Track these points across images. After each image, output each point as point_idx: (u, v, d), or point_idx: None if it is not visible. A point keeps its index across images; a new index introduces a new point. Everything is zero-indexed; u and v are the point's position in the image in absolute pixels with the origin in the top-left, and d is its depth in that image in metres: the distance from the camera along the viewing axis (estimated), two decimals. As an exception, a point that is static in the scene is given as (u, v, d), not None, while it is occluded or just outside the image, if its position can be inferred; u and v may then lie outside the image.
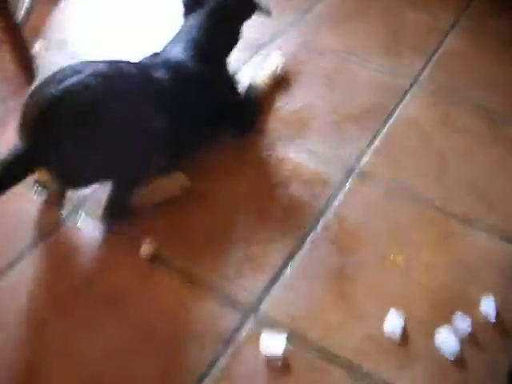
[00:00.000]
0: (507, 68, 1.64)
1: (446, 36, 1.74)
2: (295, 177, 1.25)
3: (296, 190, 1.23)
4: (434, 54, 1.66)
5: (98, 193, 1.15)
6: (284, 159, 1.29)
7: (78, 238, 1.11)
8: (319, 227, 1.14)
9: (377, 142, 1.35)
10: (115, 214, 1.12)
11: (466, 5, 1.89)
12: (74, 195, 1.16)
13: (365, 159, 1.31)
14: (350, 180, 1.25)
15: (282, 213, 1.17)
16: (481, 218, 1.20)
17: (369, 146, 1.34)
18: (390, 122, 1.42)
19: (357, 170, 1.28)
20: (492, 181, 1.29)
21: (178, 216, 1.14)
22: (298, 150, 1.32)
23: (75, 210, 1.15)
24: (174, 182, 1.18)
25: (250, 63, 1.55)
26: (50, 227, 1.11)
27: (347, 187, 1.24)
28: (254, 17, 1.35)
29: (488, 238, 1.16)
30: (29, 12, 1.47)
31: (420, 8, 1.86)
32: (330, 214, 1.17)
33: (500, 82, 1.58)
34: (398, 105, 1.46)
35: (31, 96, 1.04)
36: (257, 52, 1.60)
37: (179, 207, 1.15)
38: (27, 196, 1.14)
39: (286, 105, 1.44)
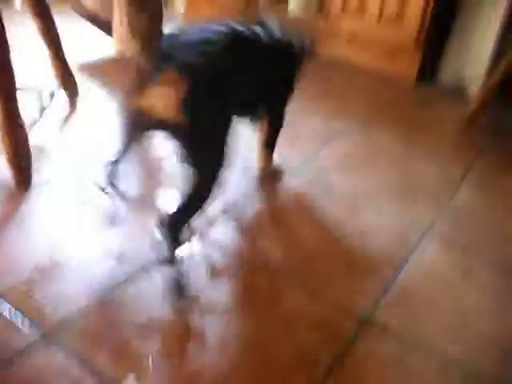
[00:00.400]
0: None
1: (457, 189, 1.70)
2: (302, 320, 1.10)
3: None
4: (445, 206, 1.60)
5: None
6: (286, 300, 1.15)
7: None
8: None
9: (390, 293, 1.22)
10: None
11: (475, 158, 1.91)
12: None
13: (379, 311, 1.16)
14: (361, 334, 1.09)
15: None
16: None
17: (382, 296, 1.20)
18: (404, 271, 1.29)
19: (370, 323, 1.12)
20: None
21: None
22: (306, 293, 1.18)
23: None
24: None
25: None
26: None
27: (358, 343, 1.07)
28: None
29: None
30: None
31: (430, 160, 1.86)
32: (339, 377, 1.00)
33: None
34: (410, 254, 1.36)
35: None
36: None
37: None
38: None
39: (293, 247, 1.34)
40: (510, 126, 2.26)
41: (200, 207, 1.09)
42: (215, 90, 1.03)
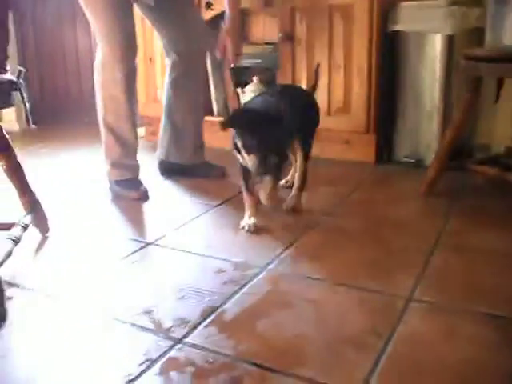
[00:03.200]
0: (499, 277, 1.60)
1: (431, 254, 1.74)
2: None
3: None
4: (423, 272, 1.62)
5: None
6: None
7: None
8: None
9: (381, 366, 1.20)
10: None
11: (444, 223, 1.98)
12: None
13: None
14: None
15: None
16: None
17: (373, 370, 1.18)
18: (392, 341, 1.28)
19: None
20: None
21: None
22: (293, 378, 1.16)
23: None
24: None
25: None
26: None
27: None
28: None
29: None
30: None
31: (399, 232, 1.91)
32: None
33: (497, 289, 1.52)
34: (397, 323, 1.35)
35: None
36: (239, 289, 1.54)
37: None
38: None
39: (274, 332, 1.33)
40: (466, 188, 2.38)
41: None
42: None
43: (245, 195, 1.98)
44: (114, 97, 2.25)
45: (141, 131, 3.42)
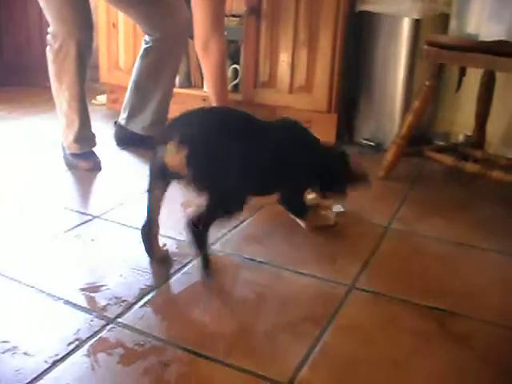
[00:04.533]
0: (444, 267, 1.60)
1: (380, 241, 1.73)
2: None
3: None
4: (369, 259, 1.61)
5: None
6: (207, 377, 1.10)
7: None
8: None
9: (315, 353, 1.18)
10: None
11: (397, 209, 1.98)
12: None
13: (302, 374, 1.12)
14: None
15: None
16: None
17: (306, 358, 1.17)
18: (329, 329, 1.27)
19: None
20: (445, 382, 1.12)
21: None
22: (224, 366, 1.13)
23: None
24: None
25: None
26: None
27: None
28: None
29: None
30: None
31: (351, 216, 1.90)
32: None
33: (441, 280, 1.53)
34: (336, 311, 1.34)
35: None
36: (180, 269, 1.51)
37: None
38: None
39: (211, 317, 1.30)
40: (423, 175, 2.37)
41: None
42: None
43: None
44: (67, 71, 2.17)
45: (102, 98, 3.33)
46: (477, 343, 1.24)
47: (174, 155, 1.40)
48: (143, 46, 2.45)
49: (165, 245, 1.61)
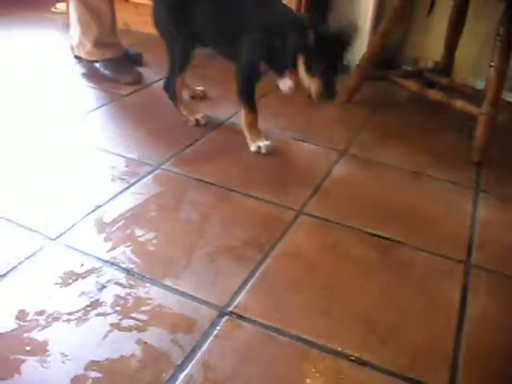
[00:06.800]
0: (393, 194, 1.60)
1: (333, 166, 1.71)
2: (154, 321, 1.05)
3: (154, 337, 1.01)
4: (321, 184, 1.60)
5: None
6: (143, 299, 1.10)
7: None
8: (181, 381, 0.93)
9: (255, 278, 1.19)
10: None
11: (356, 134, 1.95)
12: None
13: (240, 298, 1.13)
14: (220, 324, 1.06)
15: (137, 368, 0.95)
16: (373, 354, 1.02)
17: (246, 282, 1.17)
18: (272, 254, 1.27)
19: (229, 311, 1.09)
20: (382, 312, 1.13)
21: None
22: (162, 288, 1.13)
23: None
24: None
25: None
26: None
27: (216, 332, 1.04)
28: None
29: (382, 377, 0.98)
30: None
31: (309, 140, 1.87)
32: (195, 365, 0.96)
33: (389, 207, 1.52)
34: (281, 236, 1.34)
35: None
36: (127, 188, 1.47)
37: None
38: None
39: (154, 238, 1.28)
40: (387, 101, 2.32)
41: None
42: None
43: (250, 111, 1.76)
44: None
45: (62, 6, 3.14)
46: (416, 272, 1.27)
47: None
48: None
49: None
